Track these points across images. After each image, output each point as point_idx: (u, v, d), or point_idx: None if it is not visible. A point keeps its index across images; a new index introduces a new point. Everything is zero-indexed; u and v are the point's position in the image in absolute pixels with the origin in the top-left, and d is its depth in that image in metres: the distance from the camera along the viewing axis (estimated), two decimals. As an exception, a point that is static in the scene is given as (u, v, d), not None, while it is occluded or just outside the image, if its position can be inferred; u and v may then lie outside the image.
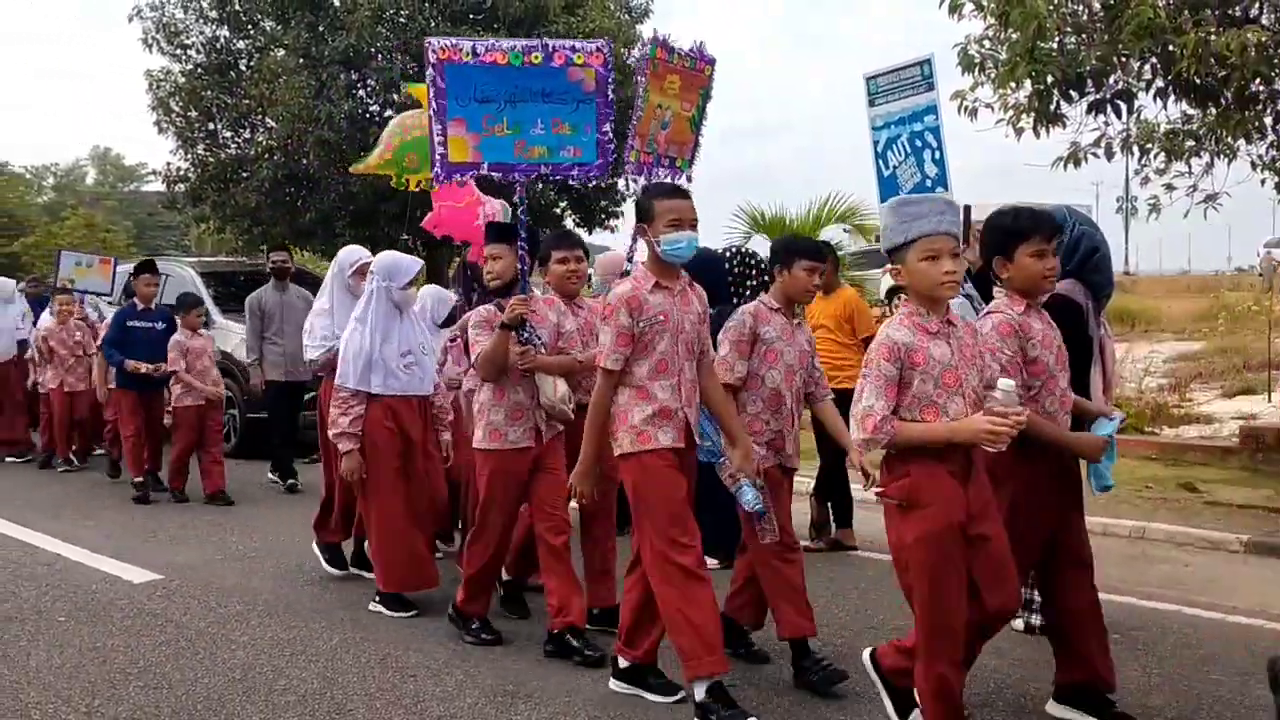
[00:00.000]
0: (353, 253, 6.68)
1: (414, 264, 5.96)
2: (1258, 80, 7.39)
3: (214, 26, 16.83)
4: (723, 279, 6.74)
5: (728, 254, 6.84)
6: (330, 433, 5.74)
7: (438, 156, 5.03)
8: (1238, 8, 7.69)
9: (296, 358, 8.86)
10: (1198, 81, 7.32)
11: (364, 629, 5.53)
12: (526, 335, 4.98)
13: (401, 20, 15.28)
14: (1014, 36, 7.36)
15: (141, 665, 5.00)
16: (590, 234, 19.29)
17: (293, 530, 7.85)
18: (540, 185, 16.68)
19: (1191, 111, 8.22)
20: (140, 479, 9.36)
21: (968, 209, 5.98)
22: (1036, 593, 5.46)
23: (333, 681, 4.76)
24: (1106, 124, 7.65)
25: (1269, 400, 12.69)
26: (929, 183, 9.33)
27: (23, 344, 11.87)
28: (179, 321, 9.35)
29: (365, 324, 5.73)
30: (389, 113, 16.07)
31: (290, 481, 9.72)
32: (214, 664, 5.01)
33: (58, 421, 11.04)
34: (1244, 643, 5.32)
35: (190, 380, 9.11)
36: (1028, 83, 7.65)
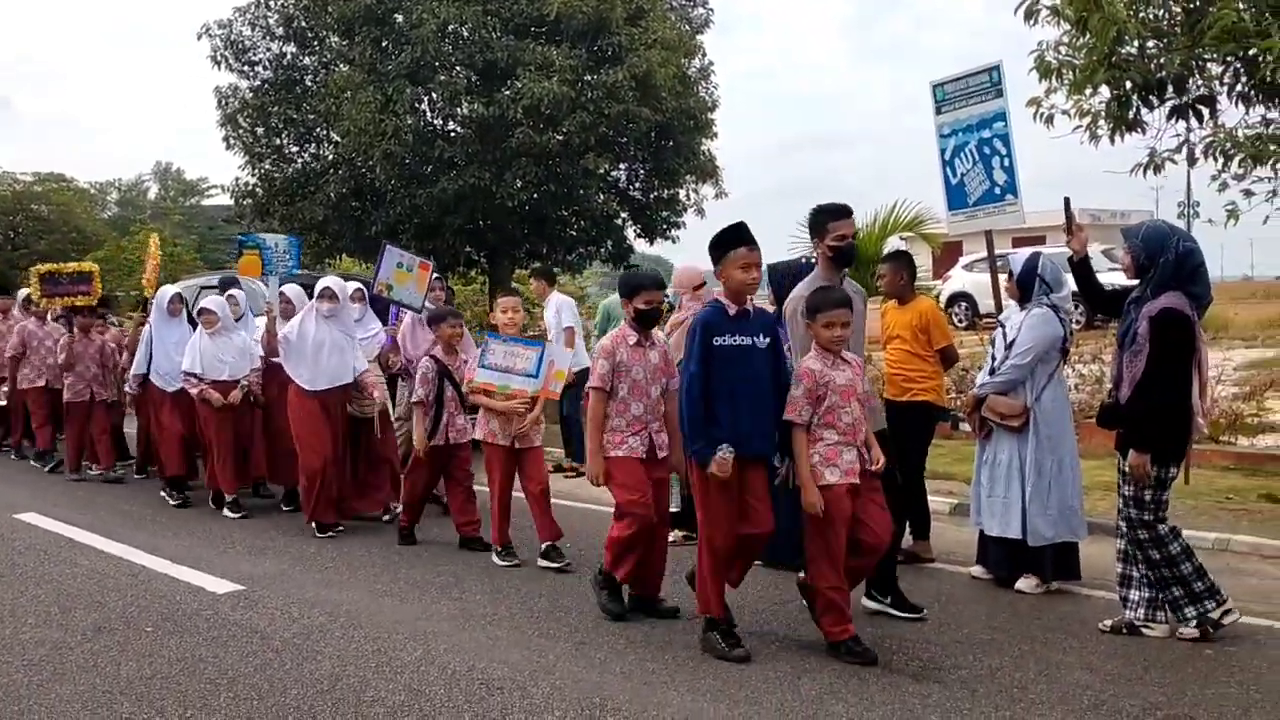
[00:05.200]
0: None
1: None
2: (1345, 83, 7.22)
3: (281, 43, 17.10)
4: None
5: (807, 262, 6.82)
6: None
7: None
8: (1324, 9, 7.51)
9: None
10: (1282, 84, 7.16)
11: (446, 641, 5.55)
12: None
13: (465, 34, 15.40)
14: (1092, 42, 7.26)
15: (230, 676, 5.06)
16: (651, 245, 19.26)
17: (367, 542, 7.93)
18: (601, 195, 16.70)
19: (1272, 116, 8.05)
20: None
21: (1067, 200, 5.99)
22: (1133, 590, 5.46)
23: (419, 694, 4.79)
24: (1188, 129, 7.51)
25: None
26: (998, 189, 9.24)
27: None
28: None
29: None
30: (452, 126, 16.25)
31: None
32: (301, 675, 5.05)
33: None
34: (1343, 659, 5.19)
35: None
36: (1105, 88, 7.55)
